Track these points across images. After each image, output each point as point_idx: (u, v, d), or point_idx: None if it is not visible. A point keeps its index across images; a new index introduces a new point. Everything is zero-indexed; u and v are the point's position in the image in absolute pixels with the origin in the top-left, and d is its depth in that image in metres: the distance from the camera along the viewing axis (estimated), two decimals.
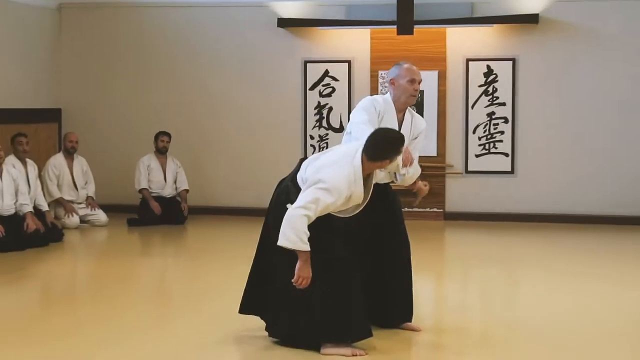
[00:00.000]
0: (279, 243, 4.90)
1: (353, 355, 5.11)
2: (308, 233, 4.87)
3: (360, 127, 5.39)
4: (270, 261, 5.26)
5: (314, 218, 4.90)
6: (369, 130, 5.24)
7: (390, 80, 5.61)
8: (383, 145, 5.03)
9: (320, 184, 4.91)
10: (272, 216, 5.21)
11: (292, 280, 4.96)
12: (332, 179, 4.92)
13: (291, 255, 4.99)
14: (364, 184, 5.06)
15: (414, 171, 5.57)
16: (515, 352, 5.41)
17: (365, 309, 5.24)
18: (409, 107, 5.69)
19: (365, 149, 5.02)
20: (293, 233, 4.86)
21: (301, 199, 4.92)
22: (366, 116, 5.47)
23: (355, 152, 5.02)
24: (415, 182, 5.63)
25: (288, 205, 5.01)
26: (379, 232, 5.55)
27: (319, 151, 10.77)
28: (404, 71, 5.55)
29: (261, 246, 5.39)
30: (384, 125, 5.47)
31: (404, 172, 5.47)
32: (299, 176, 5.13)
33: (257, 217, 10.22)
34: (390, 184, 5.71)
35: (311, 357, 5.10)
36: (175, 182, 10.97)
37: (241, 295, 5.51)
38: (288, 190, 5.14)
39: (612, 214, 10.72)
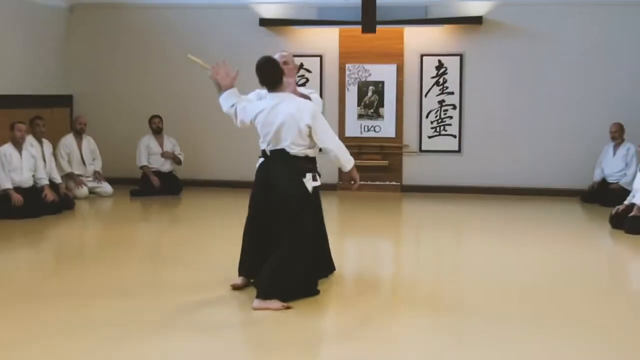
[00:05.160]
0: (349, 167, 5.35)
1: (284, 308, 5.01)
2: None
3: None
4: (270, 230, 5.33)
5: None
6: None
7: None
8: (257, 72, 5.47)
9: (318, 116, 5.29)
10: (282, 186, 5.30)
11: (353, 186, 5.41)
12: (309, 107, 5.31)
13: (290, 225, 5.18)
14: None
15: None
16: (460, 302, 5.44)
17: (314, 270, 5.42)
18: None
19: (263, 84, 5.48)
20: (348, 154, 5.37)
21: (326, 133, 5.29)
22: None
23: (277, 90, 5.42)
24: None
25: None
26: None
27: None
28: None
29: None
30: None
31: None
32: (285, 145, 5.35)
33: (241, 189, 9.95)
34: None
35: (248, 312, 4.99)
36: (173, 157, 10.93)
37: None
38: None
39: (542, 186, 10.78)
